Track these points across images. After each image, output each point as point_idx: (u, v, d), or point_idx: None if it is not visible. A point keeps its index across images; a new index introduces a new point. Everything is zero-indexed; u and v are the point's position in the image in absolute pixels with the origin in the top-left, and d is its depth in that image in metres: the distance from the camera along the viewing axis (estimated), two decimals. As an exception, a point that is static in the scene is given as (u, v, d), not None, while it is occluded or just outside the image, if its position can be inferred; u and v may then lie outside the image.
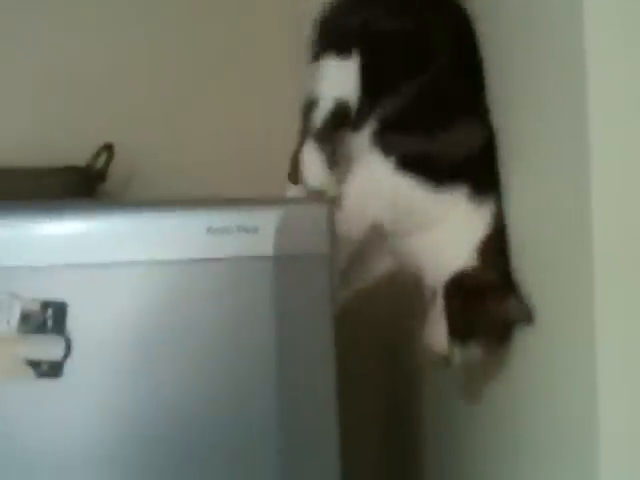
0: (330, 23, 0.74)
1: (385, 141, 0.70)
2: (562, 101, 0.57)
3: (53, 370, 0.60)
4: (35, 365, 0.60)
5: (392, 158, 0.68)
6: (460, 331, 0.65)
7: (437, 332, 0.67)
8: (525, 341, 0.66)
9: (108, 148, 0.99)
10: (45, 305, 0.59)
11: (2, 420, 0.61)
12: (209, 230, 0.62)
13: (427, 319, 0.69)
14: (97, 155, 0.99)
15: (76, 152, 1.00)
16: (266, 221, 0.62)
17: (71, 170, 0.99)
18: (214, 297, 0.63)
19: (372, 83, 0.70)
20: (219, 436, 0.64)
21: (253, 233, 0.62)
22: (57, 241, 0.62)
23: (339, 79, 0.70)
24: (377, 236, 0.72)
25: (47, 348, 0.60)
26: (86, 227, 0.63)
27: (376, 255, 0.75)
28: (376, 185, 0.70)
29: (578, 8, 0.52)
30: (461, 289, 0.65)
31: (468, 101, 0.70)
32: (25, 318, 0.59)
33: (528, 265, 0.65)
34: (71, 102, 1.06)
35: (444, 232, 0.67)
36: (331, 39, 0.73)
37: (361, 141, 0.71)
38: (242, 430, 0.64)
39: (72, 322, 0.60)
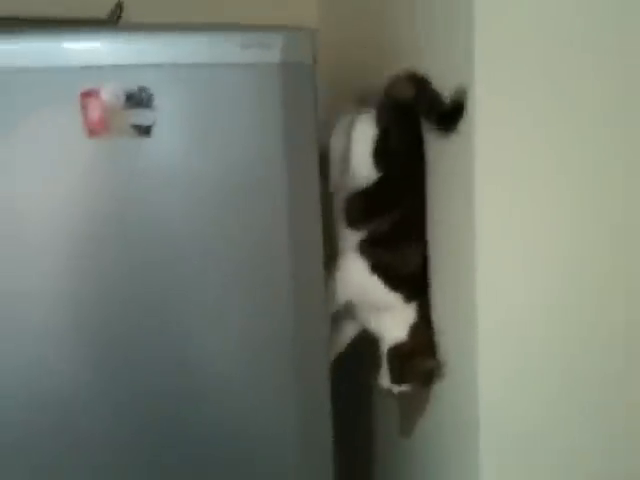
0: None
1: (367, 250, 1.03)
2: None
3: (147, 131, 0.84)
4: (136, 128, 0.84)
5: (369, 263, 1.03)
6: (396, 378, 1.05)
7: (384, 377, 1.06)
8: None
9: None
10: (140, 89, 0.83)
11: (113, 170, 0.86)
12: (241, 45, 0.84)
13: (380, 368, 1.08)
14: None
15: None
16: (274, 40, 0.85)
17: (93, 22, 1.11)
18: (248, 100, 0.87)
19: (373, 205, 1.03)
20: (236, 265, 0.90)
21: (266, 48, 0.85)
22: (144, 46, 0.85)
23: None
24: (350, 309, 1.09)
25: (143, 117, 0.84)
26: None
27: (349, 321, 1.12)
28: (354, 278, 1.05)
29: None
30: (397, 353, 1.04)
31: (421, 230, 1.04)
32: (129, 98, 0.83)
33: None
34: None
35: (390, 317, 1.05)
36: None
37: (353, 240, 1.05)
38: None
39: (157, 101, 0.83)
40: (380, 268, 1.03)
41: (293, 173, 0.91)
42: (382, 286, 1.04)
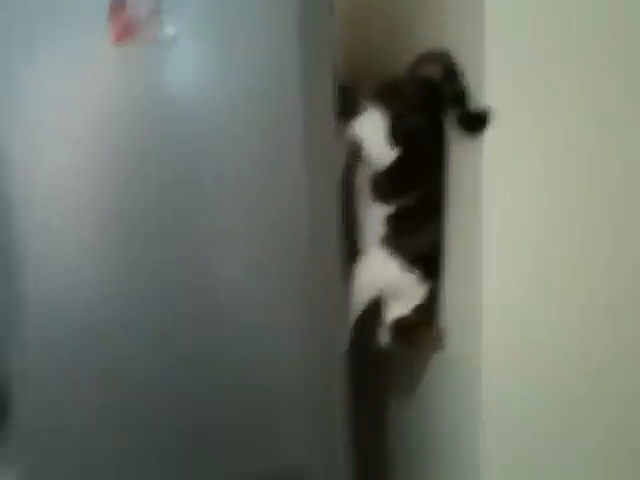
0: None
1: (392, 243, 1.09)
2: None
3: (171, 42, 0.87)
4: (161, 37, 0.86)
5: (389, 249, 1.09)
6: (397, 344, 1.15)
7: (383, 335, 1.16)
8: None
9: None
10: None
11: (137, 78, 0.87)
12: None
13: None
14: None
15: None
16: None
17: None
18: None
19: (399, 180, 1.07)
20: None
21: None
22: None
23: None
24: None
25: (168, 26, 0.87)
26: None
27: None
28: (378, 274, 1.12)
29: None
30: (399, 325, 1.13)
31: (437, 210, 1.09)
32: (155, 7, 0.85)
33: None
34: None
35: (399, 298, 1.13)
36: None
37: (380, 214, 1.10)
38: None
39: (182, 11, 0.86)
40: (401, 247, 1.10)
41: (308, 84, 0.93)
42: (399, 269, 1.11)
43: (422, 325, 1.13)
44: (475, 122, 0.95)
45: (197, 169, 0.93)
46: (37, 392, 0.92)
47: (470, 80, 0.98)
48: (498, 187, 0.98)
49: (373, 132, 1.06)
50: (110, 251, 0.92)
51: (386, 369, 1.35)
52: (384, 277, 1.12)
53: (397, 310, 1.14)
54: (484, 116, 0.94)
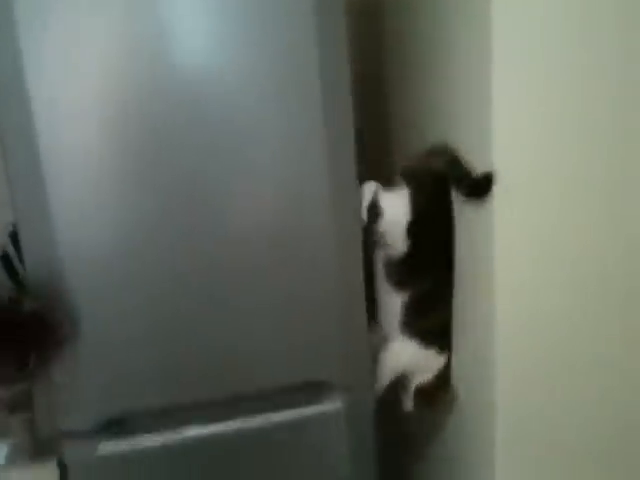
0: None
1: (410, 328, 1.21)
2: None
3: None
4: None
5: (415, 337, 1.21)
6: (419, 408, 1.28)
7: (408, 402, 1.29)
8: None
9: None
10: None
11: None
12: None
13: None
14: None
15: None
16: None
17: None
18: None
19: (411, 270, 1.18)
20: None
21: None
22: None
23: None
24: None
25: None
26: None
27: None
28: (400, 361, 1.24)
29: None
30: (422, 390, 1.26)
31: (449, 294, 1.21)
32: None
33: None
34: None
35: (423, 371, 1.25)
36: None
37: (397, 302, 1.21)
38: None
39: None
40: (419, 330, 1.22)
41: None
42: (418, 348, 1.23)
43: (440, 390, 1.26)
44: (482, 187, 1.04)
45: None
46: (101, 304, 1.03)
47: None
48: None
49: (397, 209, 1.14)
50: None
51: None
52: (405, 362, 1.24)
53: (418, 379, 1.26)
54: (489, 179, 1.02)
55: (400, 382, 1.29)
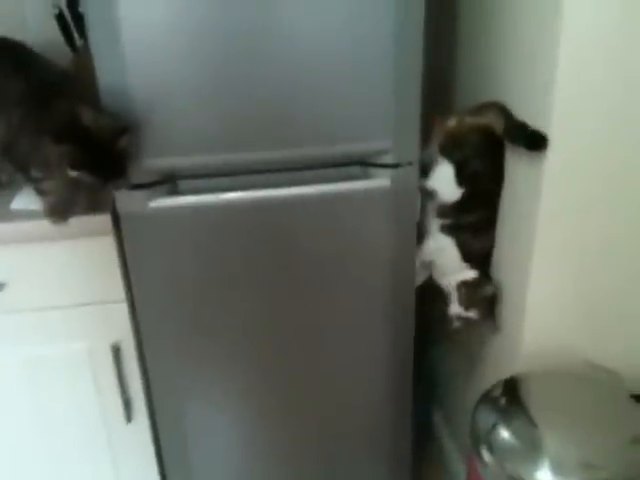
0: None
1: (455, 234, 1.33)
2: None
3: None
4: None
5: (455, 240, 1.33)
6: (464, 304, 1.36)
7: (454, 305, 1.38)
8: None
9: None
10: None
11: None
12: None
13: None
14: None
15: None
16: None
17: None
18: None
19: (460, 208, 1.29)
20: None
21: None
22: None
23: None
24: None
25: None
26: None
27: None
28: (438, 250, 1.36)
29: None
30: (464, 285, 1.35)
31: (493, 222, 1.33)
32: None
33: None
34: None
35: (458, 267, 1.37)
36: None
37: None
38: None
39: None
40: (459, 244, 1.35)
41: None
42: (458, 257, 1.36)
43: (484, 284, 1.35)
44: (538, 141, 1.09)
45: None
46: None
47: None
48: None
49: (444, 183, 1.27)
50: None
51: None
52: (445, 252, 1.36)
53: (461, 275, 1.37)
54: (544, 136, 1.08)
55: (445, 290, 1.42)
